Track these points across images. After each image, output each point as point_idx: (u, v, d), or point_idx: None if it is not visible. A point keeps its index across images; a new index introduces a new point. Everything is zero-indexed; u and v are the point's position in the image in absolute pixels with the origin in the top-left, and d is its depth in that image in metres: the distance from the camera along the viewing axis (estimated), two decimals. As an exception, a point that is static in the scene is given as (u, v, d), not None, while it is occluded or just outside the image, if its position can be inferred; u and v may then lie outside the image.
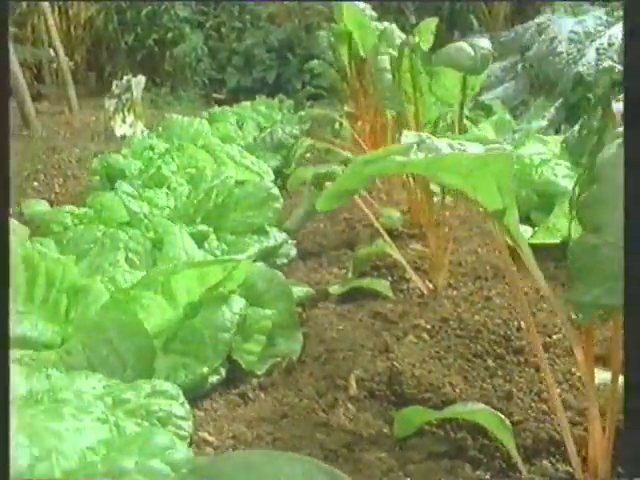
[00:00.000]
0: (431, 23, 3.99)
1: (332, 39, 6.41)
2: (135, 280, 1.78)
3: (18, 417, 1.00)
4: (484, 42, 2.09)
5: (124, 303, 1.66)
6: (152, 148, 3.57)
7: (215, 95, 9.26)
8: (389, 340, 1.87)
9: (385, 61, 2.64)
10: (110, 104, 6.05)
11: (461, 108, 2.17)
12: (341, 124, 5.44)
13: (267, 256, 2.46)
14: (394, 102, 2.51)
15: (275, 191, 2.57)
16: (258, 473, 0.79)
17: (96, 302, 1.68)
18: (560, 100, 5.19)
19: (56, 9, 10.35)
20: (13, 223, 1.81)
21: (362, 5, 4.05)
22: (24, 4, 9.73)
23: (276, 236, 2.52)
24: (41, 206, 3.20)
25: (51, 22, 7.43)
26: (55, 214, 2.57)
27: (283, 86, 9.39)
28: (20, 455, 0.96)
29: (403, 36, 4.18)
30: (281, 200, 2.61)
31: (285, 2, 9.71)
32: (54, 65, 9.24)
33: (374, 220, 2.69)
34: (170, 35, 9.36)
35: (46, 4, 7.49)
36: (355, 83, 4.67)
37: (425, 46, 3.46)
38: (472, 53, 1.93)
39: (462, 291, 2.41)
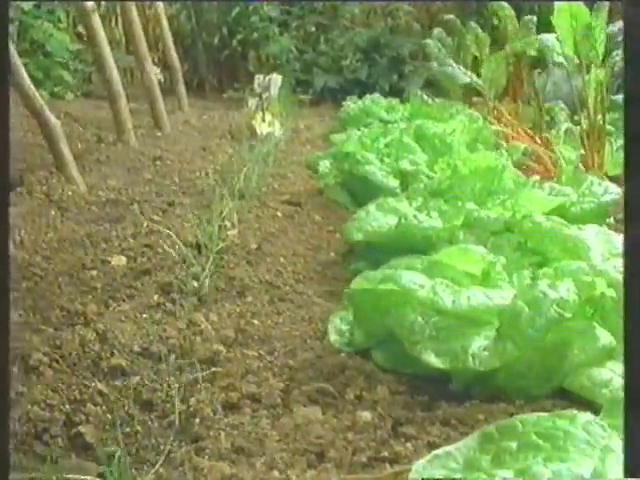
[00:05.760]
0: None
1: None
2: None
3: None
4: None
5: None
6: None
7: (303, 96, 9.23)
8: None
9: None
10: (252, 103, 6.03)
11: None
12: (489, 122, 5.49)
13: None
14: None
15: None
16: None
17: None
18: None
19: (134, 9, 10.27)
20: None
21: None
22: (103, 4, 9.63)
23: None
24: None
25: (165, 24, 7.36)
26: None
27: (370, 87, 9.38)
28: None
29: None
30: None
31: (368, 3, 9.70)
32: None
33: None
34: (255, 35, 9.33)
35: (160, 6, 7.43)
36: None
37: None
38: None
39: None
